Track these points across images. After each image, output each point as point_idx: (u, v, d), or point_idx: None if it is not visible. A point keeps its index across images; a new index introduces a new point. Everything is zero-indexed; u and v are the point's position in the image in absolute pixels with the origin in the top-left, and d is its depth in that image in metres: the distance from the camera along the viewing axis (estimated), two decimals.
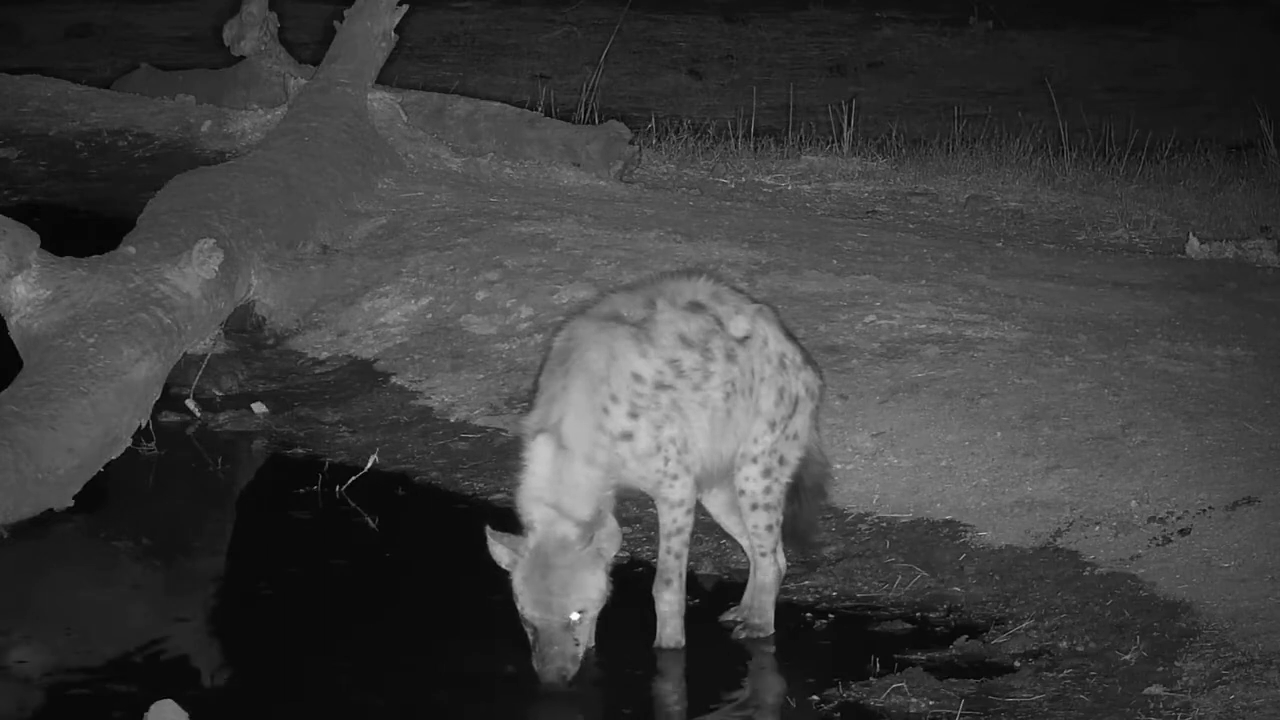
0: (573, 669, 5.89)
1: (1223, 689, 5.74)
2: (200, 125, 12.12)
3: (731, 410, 6.26)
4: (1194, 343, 8.28)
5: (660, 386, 6.13)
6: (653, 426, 6.10)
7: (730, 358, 6.25)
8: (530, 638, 5.94)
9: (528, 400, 8.34)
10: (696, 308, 6.27)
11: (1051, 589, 6.63)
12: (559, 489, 5.93)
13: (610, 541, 5.96)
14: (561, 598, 5.89)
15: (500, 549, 5.96)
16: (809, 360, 6.50)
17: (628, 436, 6.07)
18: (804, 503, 6.52)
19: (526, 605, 5.92)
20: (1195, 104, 17.44)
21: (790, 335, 6.48)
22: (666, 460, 6.14)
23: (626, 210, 10.51)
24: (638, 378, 6.10)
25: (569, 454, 5.95)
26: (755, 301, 6.46)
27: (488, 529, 5.98)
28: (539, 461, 5.96)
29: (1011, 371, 7.93)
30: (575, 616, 5.90)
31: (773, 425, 6.35)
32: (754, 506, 6.38)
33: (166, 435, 8.22)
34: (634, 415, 6.08)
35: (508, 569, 5.97)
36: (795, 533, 6.52)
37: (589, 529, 5.90)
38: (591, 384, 6.02)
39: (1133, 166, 12.96)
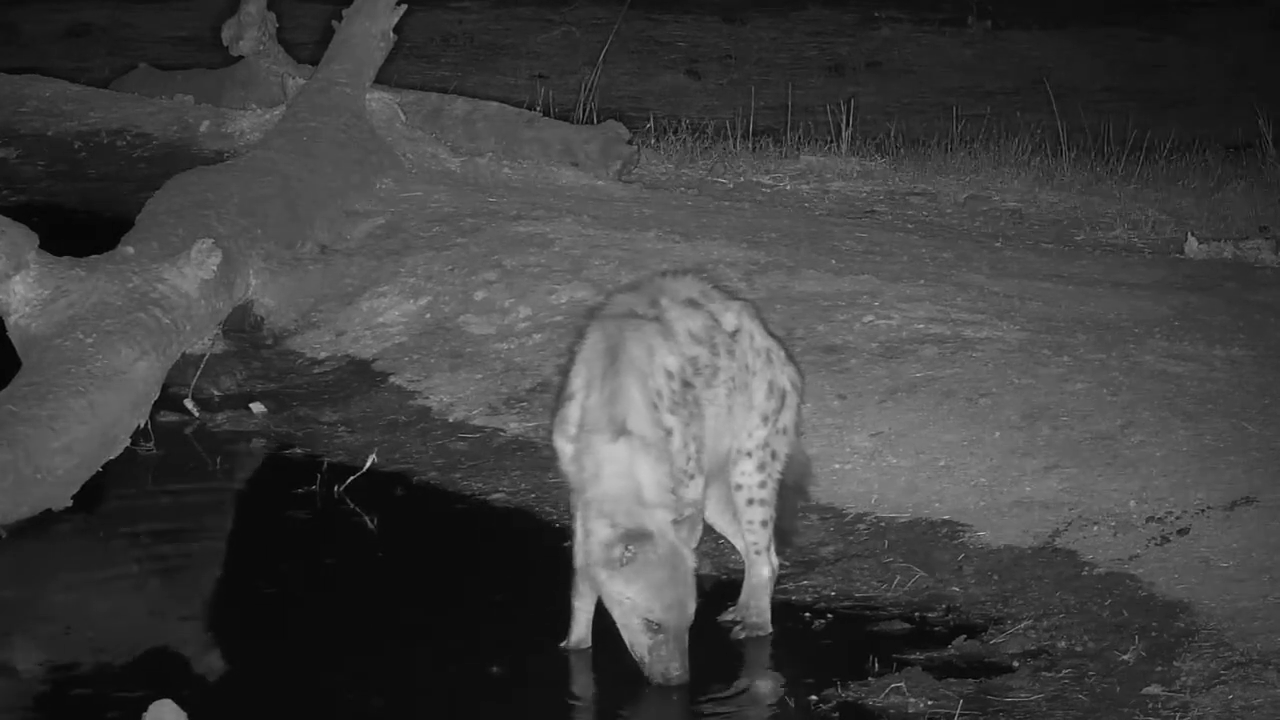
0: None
1: (1221, 689, 5.74)
2: (198, 125, 12.11)
3: (732, 407, 6.29)
4: (1192, 343, 8.28)
5: (685, 384, 6.14)
6: (682, 424, 6.10)
7: (730, 353, 6.28)
8: (649, 643, 5.87)
9: (528, 399, 8.39)
10: (694, 304, 6.28)
11: (1050, 589, 6.63)
12: (649, 489, 5.90)
13: (696, 531, 5.98)
14: (689, 597, 5.90)
15: (619, 551, 5.83)
16: (790, 357, 6.54)
17: (669, 433, 6.06)
18: (785, 500, 6.52)
19: (657, 609, 5.85)
20: (1194, 104, 17.45)
21: (771, 332, 6.50)
22: (688, 459, 6.13)
23: (625, 210, 10.51)
24: (669, 374, 6.09)
25: (648, 452, 5.93)
26: (736, 299, 6.48)
27: (622, 546, 5.83)
28: (620, 462, 5.90)
29: (1010, 371, 7.94)
30: (692, 614, 5.92)
31: (765, 419, 6.37)
32: (750, 502, 6.39)
33: (165, 435, 8.21)
34: (672, 412, 6.07)
35: (610, 570, 5.87)
36: (778, 530, 6.52)
37: (683, 525, 5.90)
38: (642, 380, 6.01)
39: (1131, 166, 12.96)
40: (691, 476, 6.15)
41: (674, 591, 5.87)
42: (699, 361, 6.18)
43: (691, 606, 5.91)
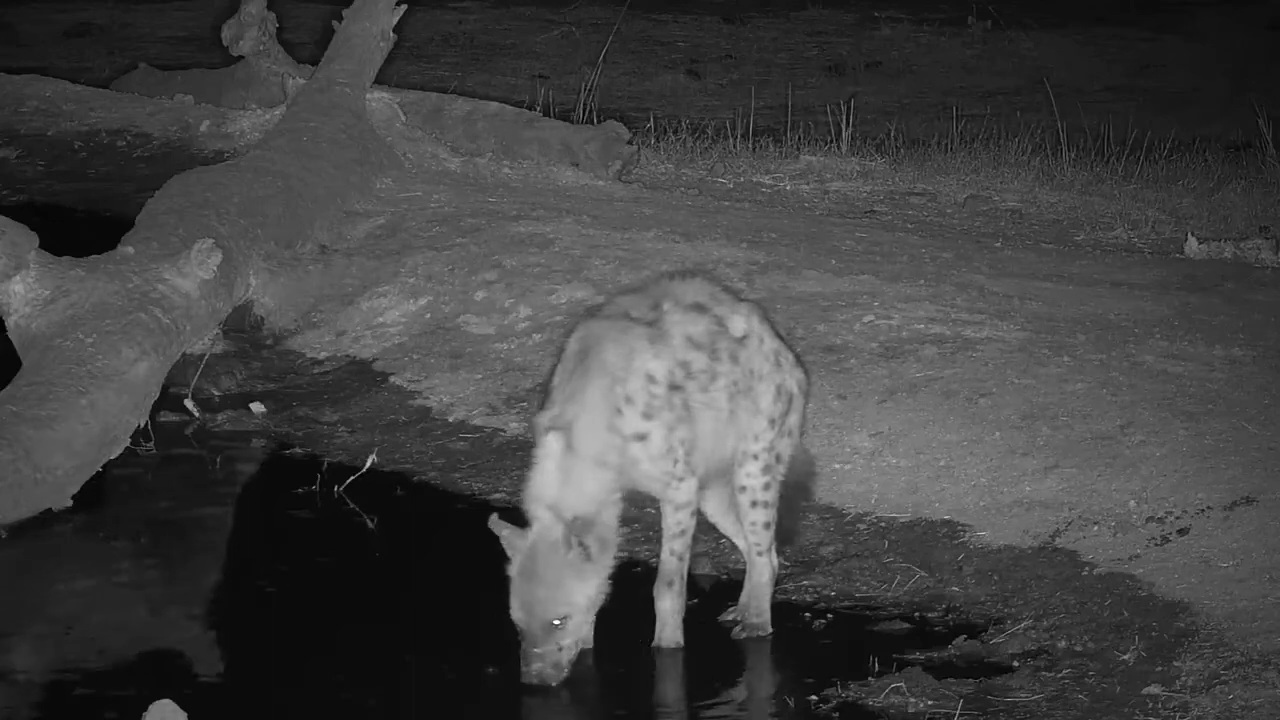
0: (554, 674, 5.88)
1: (1221, 689, 5.74)
2: (199, 125, 12.12)
3: (734, 411, 6.29)
4: (1192, 343, 8.28)
5: (673, 388, 6.14)
6: (666, 428, 6.10)
7: (734, 359, 6.28)
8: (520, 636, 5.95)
9: (528, 399, 8.38)
10: (700, 309, 6.28)
11: (1050, 589, 6.63)
12: (563, 488, 5.92)
13: (600, 547, 5.92)
14: (543, 602, 5.88)
15: (508, 535, 5.93)
16: (798, 359, 6.55)
17: (641, 437, 6.06)
18: (787, 499, 6.52)
19: (512, 605, 5.92)
20: (1194, 104, 17.44)
21: (779, 334, 6.51)
22: (675, 462, 6.14)
23: (625, 210, 10.51)
24: (651, 378, 6.10)
25: (578, 454, 5.94)
26: (745, 301, 6.48)
27: (494, 517, 5.95)
28: (547, 459, 5.95)
29: (1010, 371, 7.94)
30: (556, 621, 5.89)
31: (772, 422, 6.37)
32: (754, 504, 6.39)
33: (165, 435, 8.22)
34: (649, 416, 6.07)
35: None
36: (780, 529, 6.52)
37: (582, 531, 5.89)
38: (608, 384, 6.03)
39: (1131, 166, 12.96)
40: (680, 479, 6.16)
41: (523, 593, 5.89)
42: (692, 366, 6.18)
43: (543, 614, 5.86)
